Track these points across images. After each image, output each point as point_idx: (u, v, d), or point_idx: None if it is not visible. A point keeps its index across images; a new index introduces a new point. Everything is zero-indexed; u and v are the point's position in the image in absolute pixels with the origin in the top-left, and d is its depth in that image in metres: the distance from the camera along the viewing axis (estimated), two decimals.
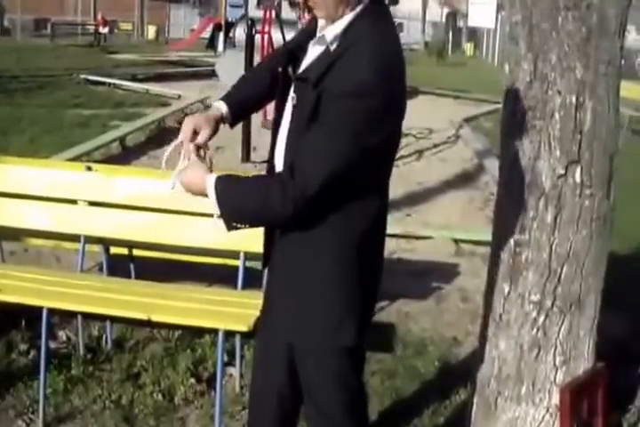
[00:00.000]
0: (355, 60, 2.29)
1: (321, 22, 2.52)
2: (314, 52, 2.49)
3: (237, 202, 2.41)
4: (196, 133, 2.56)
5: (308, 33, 2.61)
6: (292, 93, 2.51)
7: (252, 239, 3.92)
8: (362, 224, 2.48)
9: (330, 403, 2.67)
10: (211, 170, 2.49)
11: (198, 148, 2.57)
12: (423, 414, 3.81)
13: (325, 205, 2.37)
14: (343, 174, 2.31)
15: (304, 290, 2.53)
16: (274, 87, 2.64)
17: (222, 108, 2.67)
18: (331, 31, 2.40)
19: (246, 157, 9.79)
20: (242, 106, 2.74)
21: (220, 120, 2.65)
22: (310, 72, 2.41)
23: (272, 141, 2.64)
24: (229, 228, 2.42)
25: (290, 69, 2.55)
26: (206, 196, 2.43)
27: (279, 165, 2.54)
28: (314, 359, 2.60)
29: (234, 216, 2.40)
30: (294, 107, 2.48)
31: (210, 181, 2.41)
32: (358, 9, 2.38)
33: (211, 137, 2.59)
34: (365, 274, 2.55)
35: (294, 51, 2.59)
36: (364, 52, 2.30)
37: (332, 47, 2.38)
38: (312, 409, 2.73)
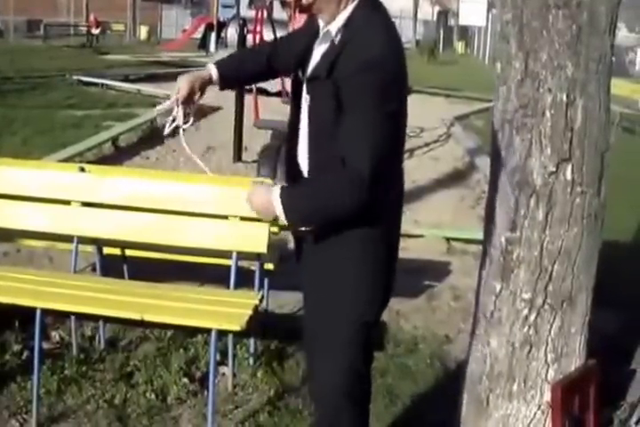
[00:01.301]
0: (361, 42, 2.46)
1: (322, 23, 2.63)
2: (319, 50, 2.61)
3: (308, 209, 2.56)
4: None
5: (309, 34, 2.72)
6: (304, 95, 2.63)
7: (243, 239, 3.96)
8: (384, 207, 2.65)
9: (334, 383, 2.79)
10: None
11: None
12: (415, 411, 3.82)
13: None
14: (384, 146, 2.48)
15: (334, 272, 2.68)
16: (268, 70, 2.94)
17: (214, 74, 2.93)
18: (334, 26, 2.54)
19: (238, 156, 9.79)
20: (232, 76, 2.99)
21: (209, 83, 2.95)
22: (320, 68, 2.54)
23: (290, 144, 2.75)
24: (296, 232, 2.70)
25: (300, 73, 2.68)
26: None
27: (304, 165, 2.69)
28: (333, 332, 2.73)
29: (307, 222, 2.61)
30: (310, 107, 2.60)
31: (276, 202, 2.53)
32: (356, 1, 2.53)
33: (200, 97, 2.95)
34: (386, 255, 2.75)
35: (301, 54, 2.70)
36: (369, 34, 2.47)
37: (337, 39, 2.51)
38: (317, 389, 2.90)
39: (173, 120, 2.97)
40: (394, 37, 2.56)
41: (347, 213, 2.54)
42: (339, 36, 2.51)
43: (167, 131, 2.98)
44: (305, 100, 2.63)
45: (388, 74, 2.46)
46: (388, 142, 2.51)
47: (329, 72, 2.47)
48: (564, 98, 3.00)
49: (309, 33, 2.72)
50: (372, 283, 2.74)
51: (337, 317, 2.72)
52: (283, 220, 2.55)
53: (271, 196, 2.55)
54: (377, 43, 2.46)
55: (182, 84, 2.92)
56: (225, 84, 2.97)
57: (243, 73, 3.03)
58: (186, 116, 2.93)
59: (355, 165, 2.44)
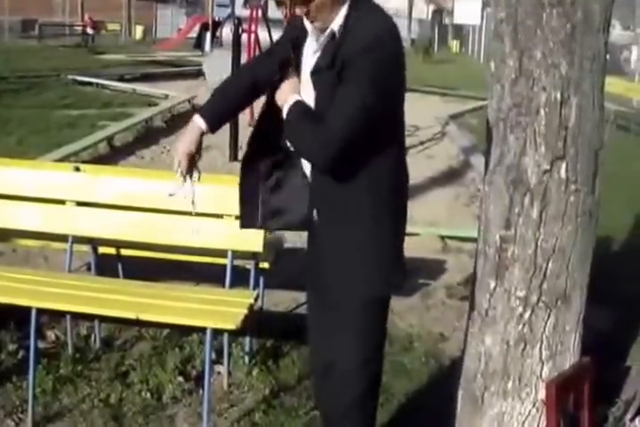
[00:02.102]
0: (361, 30, 2.59)
1: (313, 27, 2.73)
2: (316, 48, 2.72)
3: (296, 127, 2.73)
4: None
5: (290, 39, 2.85)
6: (309, 92, 2.74)
7: (239, 238, 3.96)
8: (390, 181, 2.79)
9: (357, 366, 2.88)
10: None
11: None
12: (410, 409, 3.82)
13: (356, 160, 2.66)
14: (366, 122, 2.60)
15: (346, 248, 2.79)
16: (253, 93, 2.99)
17: (203, 126, 2.98)
18: (332, 27, 2.65)
19: (234, 155, 9.79)
20: (221, 117, 3.05)
21: (202, 137, 3.01)
22: (323, 62, 2.66)
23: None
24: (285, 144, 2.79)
25: (292, 72, 2.81)
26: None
27: (303, 166, 2.87)
28: (349, 308, 2.81)
29: (289, 135, 2.75)
30: (316, 101, 2.72)
31: (291, 101, 2.73)
32: (346, 6, 2.65)
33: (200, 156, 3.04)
34: (395, 232, 2.87)
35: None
36: (368, 22, 2.62)
37: (337, 35, 2.64)
38: (337, 376, 2.92)
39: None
40: (392, 24, 2.69)
41: (311, 157, 2.74)
42: (338, 34, 2.63)
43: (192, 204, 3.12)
44: (310, 97, 2.74)
45: (386, 54, 2.60)
46: (376, 121, 2.63)
47: (332, 63, 2.60)
48: (559, 96, 3.01)
49: (291, 38, 2.86)
50: (387, 257, 2.85)
51: (355, 294, 2.81)
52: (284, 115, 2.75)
53: (291, 97, 2.74)
54: (376, 28, 2.62)
55: (181, 158, 3.00)
56: (216, 127, 3.03)
57: (230, 108, 3.10)
58: (192, 176, 3.05)
59: (328, 122, 2.59)
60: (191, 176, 3.04)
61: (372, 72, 2.56)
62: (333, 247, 2.82)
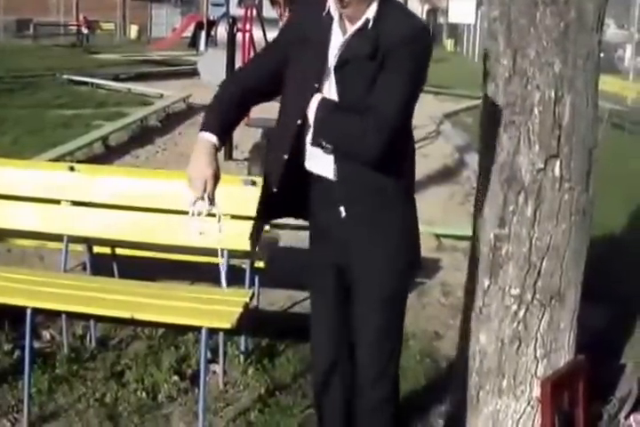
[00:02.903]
0: (397, 22, 2.62)
1: (336, 26, 2.69)
2: (344, 39, 2.66)
3: (337, 121, 2.66)
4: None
5: (302, 30, 2.75)
6: (329, 87, 2.67)
7: (234, 238, 3.95)
8: (411, 166, 2.82)
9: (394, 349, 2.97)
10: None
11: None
12: (405, 408, 3.82)
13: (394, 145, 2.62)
14: (410, 110, 2.65)
15: (378, 238, 2.77)
16: (250, 99, 2.85)
17: (213, 140, 2.70)
18: (364, 19, 2.62)
19: (229, 154, 9.79)
20: (225, 130, 2.79)
21: (217, 154, 2.72)
22: (358, 49, 2.61)
23: (293, 143, 2.76)
24: (315, 143, 2.68)
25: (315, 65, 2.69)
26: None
27: (316, 166, 2.78)
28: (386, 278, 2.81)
29: (323, 133, 2.66)
30: (340, 92, 2.66)
31: (315, 99, 2.66)
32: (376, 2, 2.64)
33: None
34: (416, 217, 2.87)
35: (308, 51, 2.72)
36: (402, 16, 2.66)
37: (370, 23, 2.61)
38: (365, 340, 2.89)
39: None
40: (420, 19, 2.77)
41: (360, 148, 2.63)
42: (372, 22, 2.61)
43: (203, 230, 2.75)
44: (327, 88, 2.69)
45: (426, 47, 2.66)
46: (413, 108, 2.67)
47: (374, 53, 2.59)
48: (552, 95, 3.02)
49: (298, 34, 2.76)
50: (412, 233, 2.86)
51: (389, 282, 2.82)
52: (310, 117, 2.68)
53: (315, 97, 2.67)
54: (413, 21, 2.67)
55: (200, 185, 2.68)
56: (225, 141, 2.80)
57: (232, 118, 2.84)
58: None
59: (381, 110, 2.56)
60: (211, 202, 2.68)
61: (415, 62, 2.60)
62: (363, 240, 2.79)
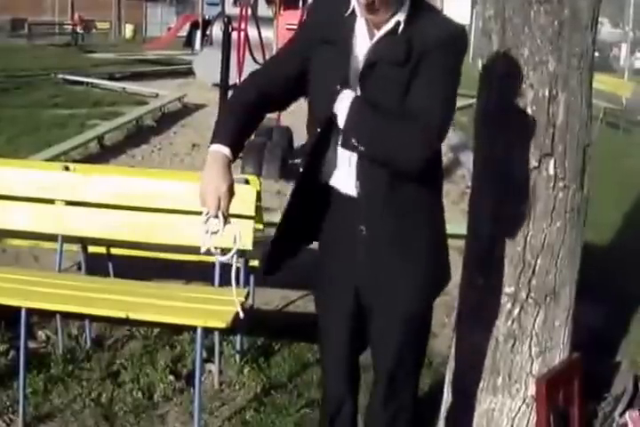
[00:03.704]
0: (431, 24, 2.48)
1: (363, 29, 2.52)
2: (370, 42, 2.50)
3: (373, 126, 2.46)
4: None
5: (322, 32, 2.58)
6: (350, 93, 2.48)
7: (227, 238, 3.95)
8: (440, 181, 2.73)
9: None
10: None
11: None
12: None
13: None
14: (452, 111, 2.52)
15: (413, 254, 2.64)
16: (264, 106, 2.64)
17: (226, 152, 2.48)
18: (399, 16, 2.47)
19: None
20: (238, 142, 2.56)
21: (230, 166, 2.50)
22: (388, 54, 2.46)
23: (317, 149, 2.60)
24: (347, 146, 2.49)
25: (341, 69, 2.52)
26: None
27: (337, 180, 2.61)
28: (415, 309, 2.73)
29: (362, 137, 2.45)
30: (368, 97, 2.47)
31: (347, 100, 2.46)
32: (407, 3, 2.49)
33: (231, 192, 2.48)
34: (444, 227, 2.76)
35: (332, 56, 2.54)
36: (436, 18, 2.53)
37: (399, 30, 2.46)
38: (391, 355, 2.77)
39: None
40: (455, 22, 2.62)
41: (406, 156, 2.45)
42: (400, 28, 2.46)
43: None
44: (349, 94, 2.48)
45: (464, 49, 2.53)
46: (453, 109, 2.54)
47: (407, 58, 2.43)
48: (546, 93, 3.03)
49: (305, 52, 2.60)
50: (444, 250, 2.76)
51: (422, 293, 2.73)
52: (339, 121, 2.47)
53: (345, 95, 2.46)
54: (448, 23, 2.52)
55: (214, 201, 2.44)
56: (238, 152, 2.55)
57: (244, 129, 2.61)
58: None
59: (426, 118, 2.41)
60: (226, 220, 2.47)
61: (453, 64, 2.48)
62: (386, 262, 2.63)
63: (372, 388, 2.88)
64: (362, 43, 2.52)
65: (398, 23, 2.46)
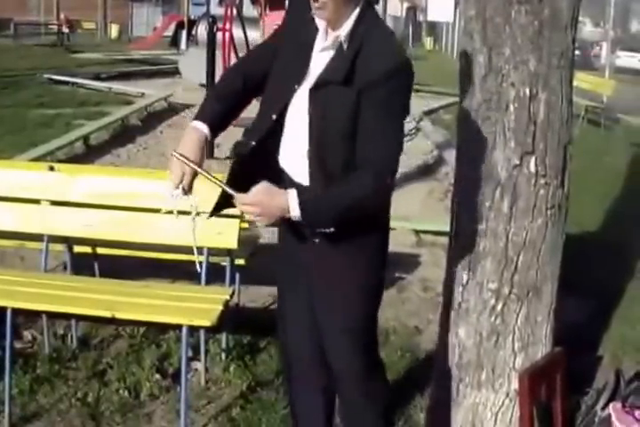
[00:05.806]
0: (379, 50, 2.49)
1: (323, 29, 2.57)
2: (323, 57, 2.56)
3: (332, 211, 2.52)
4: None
5: (278, 44, 2.69)
6: (299, 104, 2.56)
7: (214, 235, 3.97)
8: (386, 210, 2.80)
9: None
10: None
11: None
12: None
13: None
14: (402, 145, 2.56)
15: (349, 280, 2.76)
16: (249, 91, 2.74)
17: (201, 127, 2.65)
18: (340, 33, 2.51)
19: (210, 153, 9.77)
20: (220, 121, 2.71)
21: (205, 143, 2.66)
22: (332, 75, 2.50)
23: (266, 146, 2.67)
24: (312, 232, 2.62)
25: (289, 83, 2.59)
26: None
27: (292, 170, 2.66)
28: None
29: (328, 224, 2.54)
30: (314, 114, 2.53)
31: (294, 204, 2.48)
32: (357, 11, 2.51)
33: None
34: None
35: (286, 64, 2.64)
36: (384, 43, 2.53)
37: (345, 46, 2.50)
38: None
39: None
40: (401, 46, 2.66)
41: (371, 210, 2.63)
42: (346, 44, 2.50)
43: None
44: (299, 108, 2.57)
45: (410, 79, 2.55)
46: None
47: (346, 80, 2.47)
48: (527, 92, 3.06)
49: (279, 42, 2.70)
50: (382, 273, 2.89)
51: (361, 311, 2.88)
52: (299, 220, 2.51)
53: (287, 198, 2.48)
54: (395, 51, 2.55)
55: (176, 173, 2.63)
56: (217, 130, 2.71)
57: (228, 110, 2.74)
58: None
59: (380, 165, 2.50)
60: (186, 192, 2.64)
61: (400, 97, 2.52)
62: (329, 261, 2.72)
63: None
64: (319, 45, 2.59)
65: (340, 41, 2.50)
